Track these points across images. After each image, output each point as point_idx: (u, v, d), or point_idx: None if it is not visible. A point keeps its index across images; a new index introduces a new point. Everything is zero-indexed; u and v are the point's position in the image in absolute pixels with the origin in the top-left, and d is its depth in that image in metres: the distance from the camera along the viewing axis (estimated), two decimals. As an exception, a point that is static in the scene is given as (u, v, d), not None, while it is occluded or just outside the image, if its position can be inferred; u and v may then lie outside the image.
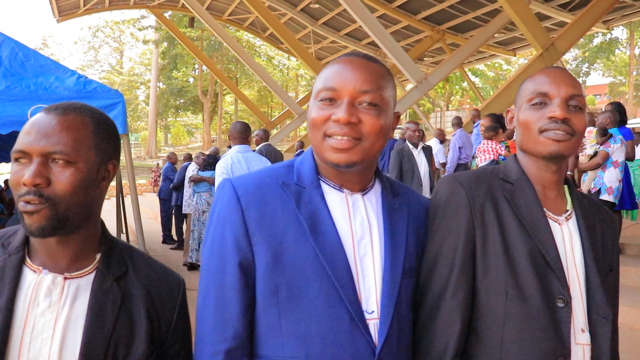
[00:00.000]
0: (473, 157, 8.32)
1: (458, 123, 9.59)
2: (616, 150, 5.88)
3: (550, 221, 1.31)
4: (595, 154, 5.95)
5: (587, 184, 5.98)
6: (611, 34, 39.38)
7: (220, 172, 4.63)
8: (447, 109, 45.63)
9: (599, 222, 1.38)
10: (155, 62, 45.86)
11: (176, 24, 34.18)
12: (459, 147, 8.79)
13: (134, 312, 1.19)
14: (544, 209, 1.32)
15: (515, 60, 33.11)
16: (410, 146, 6.50)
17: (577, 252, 1.31)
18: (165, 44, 43.28)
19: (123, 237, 9.03)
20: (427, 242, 1.33)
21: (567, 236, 1.32)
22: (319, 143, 1.21)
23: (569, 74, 1.33)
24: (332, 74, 1.22)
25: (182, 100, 48.69)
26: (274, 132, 31.17)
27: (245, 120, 44.46)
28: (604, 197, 5.84)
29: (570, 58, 44.01)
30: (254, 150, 7.87)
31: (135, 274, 1.23)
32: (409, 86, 16.89)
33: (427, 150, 6.65)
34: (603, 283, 1.29)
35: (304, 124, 38.82)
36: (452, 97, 47.05)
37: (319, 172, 1.28)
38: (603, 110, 6.61)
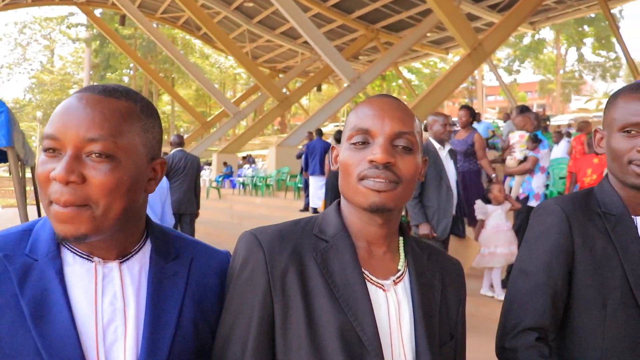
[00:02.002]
0: None
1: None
2: (544, 155, 5.86)
3: (372, 287, 1.06)
4: (525, 159, 5.93)
5: (515, 189, 5.93)
6: (539, 35, 40.91)
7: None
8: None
9: (440, 278, 1.15)
10: (87, 61, 44.29)
11: (107, 21, 33.06)
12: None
13: None
14: (366, 272, 1.07)
15: (451, 59, 33.80)
16: (437, 145, 4.71)
17: (405, 325, 1.06)
18: (98, 42, 41.91)
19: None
20: (221, 317, 1.07)
21: (393, 305, 1.06)
22: (46, 208, 0.95)
23: (398, 105, 1.08)
24: (57, 115, 0.94)
25: (117, 100, 47.18)
26: (212, 130, 30.63)
27: (183, 120, 43.65)
28: (532, 203, 5.76)
29: (503, 57, 45.40)
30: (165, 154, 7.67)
31: None
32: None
33: (454, 154, 4.90)
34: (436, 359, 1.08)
35: (244, 122, 38.41)
36: (390, 95, 47.63)
37: None
38: (515, 114, 6.49)
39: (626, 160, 1.28)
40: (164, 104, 48.76)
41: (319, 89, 31.72)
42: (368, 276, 1.06)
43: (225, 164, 21.20)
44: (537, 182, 5.82)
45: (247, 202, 15.13)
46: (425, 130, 6.38)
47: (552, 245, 1.31)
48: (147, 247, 1.06)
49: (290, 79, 30.45)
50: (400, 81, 38.43)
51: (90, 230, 0.92)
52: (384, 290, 1.07)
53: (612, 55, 40.76)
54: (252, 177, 17.12)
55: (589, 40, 41.46)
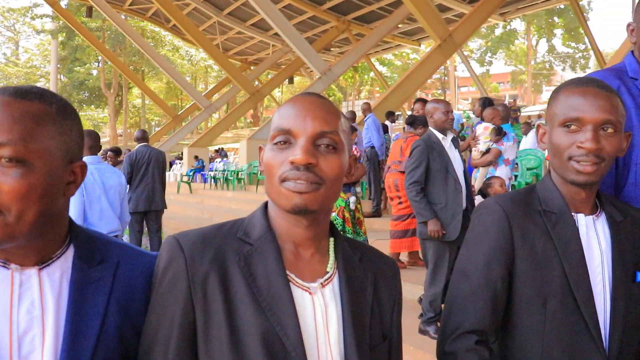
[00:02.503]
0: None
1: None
2: (508, 148, 5.83)
3: (297, 291, 1.03)
4: (488, 150, 5.90)
5: (478, 181, 5.92)
6: (510, 26, 41.25)
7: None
8: (357, 98, 46.13)
9: (372, 280, 1.12)
10: (54, 53, 43.30)
11: (73, 13, 32.29)
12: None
13: None
14: (292, 275, 1.04)
15: (423, 50, 33.89)
16: (439, 135, 4.25)
17: (332, 328, 1.04)
18: (65, 34, 40.96)
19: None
20: (145, 322, 1.04)
21: (319, 308, 1.04)
22: None
23: (321, 104, 1.05)
24: None
25: (87, 94, 46.37)
26: (183, 124, 30.22)
27: (154, 114, 43.17)
28: None
29: (475, 48, 45.71)
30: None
31: None
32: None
33: (457, 142, 4.44)
34: None
35: (217, 116, 37.98)
36: (363, 87, 47.64)
37: None
38: (477, 107, 6.52)
39: (566, 156, 1.26)
40: (134, 97, 48.01)
41: (291, 81, 31.54)
42: (293, 279, 1.04)
43: (196, 157, 20.94)
44: (500, 174, 5.82)
45: (219, 197, 14.95)
46: (412, 124, 6.30)
47: (492, 246, 1.29)
48: (70, 252, 1.03)
49: (262, 71, 30.18)
50: (372, 73, 38.43)
51: (2, 238, 0.90)
52: (310, 293, 1.04)
53: (582, 46, 41.32)
54: (224, 171, 16.93)
55: (559, 32, 41.95)
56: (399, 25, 22.38)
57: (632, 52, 1.75)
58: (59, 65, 43.66)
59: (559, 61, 45.29)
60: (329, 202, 1.04)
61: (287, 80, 30.32)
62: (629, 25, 1.74)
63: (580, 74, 43.62)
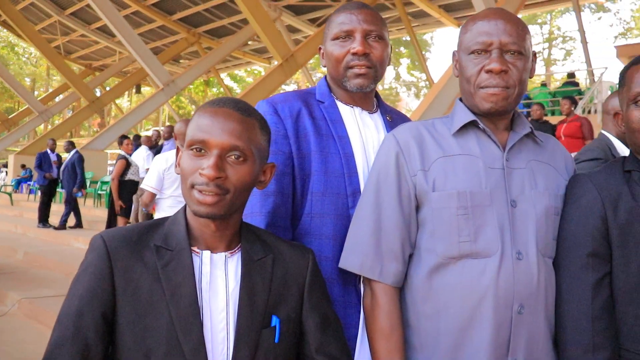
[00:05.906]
0: None
1: (169, 132, 9.24)
2: None
3: None
4: None
5: None
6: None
7: None
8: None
9: None
10: None
11: None
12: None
13: None
14: None
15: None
16: None
17: None
18: None
19: None
20: None
21: None
22: None
23: None
24: None
25: None
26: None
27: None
28: None
29: (328, 70, 47.42)
30: None
31: None
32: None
33: None
34: None
35: (58, 121, 35.26)
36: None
37: None
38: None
39: (189, 184, 1.12)
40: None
41: (138, 91, 30.20)
42: None
43: (23, 166, 19.20)
44: None
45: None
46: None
47: (87, 289, 1.11)
48: None
49: (106, 78, 28.60)
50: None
51: None
52: None
53: (424, 75, 44.56)
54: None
55: (405, 61, 44.86)
56: (249, 43, 22.52)
57: (326, 76, 1.70)
58: None
59: (405, 88, 48.35)
60: None
61: (134, 89, 29.06)
62: (319, 50, 1.74)
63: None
